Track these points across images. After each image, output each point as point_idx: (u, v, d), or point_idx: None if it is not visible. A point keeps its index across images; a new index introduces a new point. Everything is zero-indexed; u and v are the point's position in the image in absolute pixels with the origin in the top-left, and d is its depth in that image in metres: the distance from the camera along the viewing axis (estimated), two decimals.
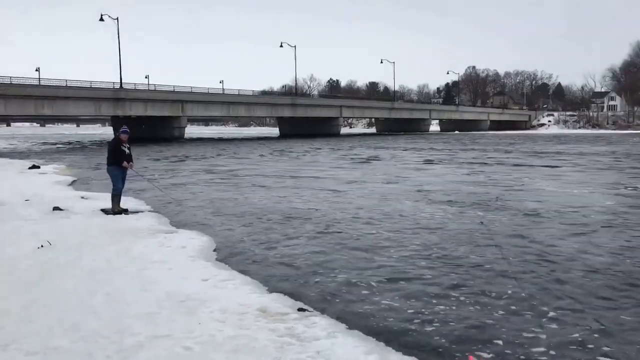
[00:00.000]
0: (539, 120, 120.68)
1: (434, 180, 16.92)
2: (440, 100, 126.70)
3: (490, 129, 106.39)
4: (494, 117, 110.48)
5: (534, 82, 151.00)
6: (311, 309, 5.28)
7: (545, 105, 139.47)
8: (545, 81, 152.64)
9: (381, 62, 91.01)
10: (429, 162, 25.56)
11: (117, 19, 54.98)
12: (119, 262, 6.72)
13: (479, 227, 9.25)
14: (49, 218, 9.90)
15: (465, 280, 6.27)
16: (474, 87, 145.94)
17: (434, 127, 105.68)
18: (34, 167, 21.76)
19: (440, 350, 4.46)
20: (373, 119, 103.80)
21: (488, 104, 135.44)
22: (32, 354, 3.98)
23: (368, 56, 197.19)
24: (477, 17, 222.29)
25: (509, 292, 5.84)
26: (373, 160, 27.04)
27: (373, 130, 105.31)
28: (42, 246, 7.42)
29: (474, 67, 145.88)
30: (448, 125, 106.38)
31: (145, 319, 4.74)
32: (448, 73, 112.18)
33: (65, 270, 6.31)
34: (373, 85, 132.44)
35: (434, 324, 4.98)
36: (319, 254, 7.59)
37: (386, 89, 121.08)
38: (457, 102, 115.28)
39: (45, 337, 4.30)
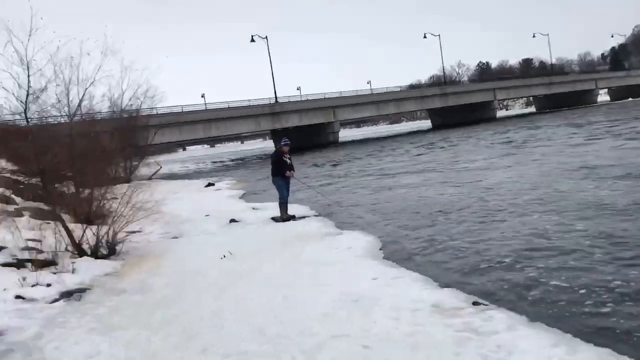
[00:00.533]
0: None
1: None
2: (607, 67, 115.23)
3: None
4: None
5: None
6: (486, 302, 5.11)
7: None
8: None
9: (533, 37, 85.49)
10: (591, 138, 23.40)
11: (267, 37, 58.14)
12: (293, 266, 7.08)
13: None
14: (226, 230, 10.75)
15: None
16: None
17: (603, 97, 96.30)
18: (209, 184, 23.78)
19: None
20: (531, 98, 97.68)
21: None
22: (226, 357, 4.34)
23: (519, 32, 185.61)
24: None
25: None
26: (528, 141, 25.42)
27: (532, 109, 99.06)
28: (224, 256, 8.07)
29: None
30: (619, 93, 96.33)
31: (324, 319, 4.93)
32: (612, 36, 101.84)
33: (246, 277, 6.79)
34: (527, 62, 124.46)
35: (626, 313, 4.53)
36: (483, 244, 7.33)
37: (542, 63, 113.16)
38: (627, 67, 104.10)
39: (235, 341, 4.66)
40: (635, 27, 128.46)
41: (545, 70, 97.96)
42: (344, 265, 6.83)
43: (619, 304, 4.73)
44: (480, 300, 5.15)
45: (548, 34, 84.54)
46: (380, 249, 7.81)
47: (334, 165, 27.42)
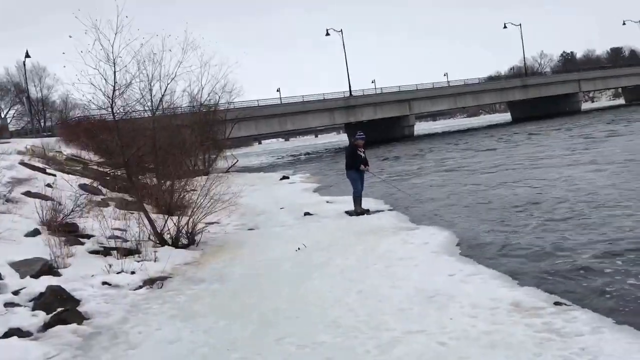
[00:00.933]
0: None
1: None
2: None
3: None
4: None
5: None
6: (569, 303, 4.88)
7: None
8: None
9: (623, 24, 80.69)
10: None
11: (341, 31, 58.19)
12: (367, 260, 7.06)
13: None
14: (301, 223, 10.87)
15: None
16: None
17: None
18: (284, 177, 24.13)
19: None
20: (620, 89, 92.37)
21: None
22: (302, 347, 4.39)
23: (607, 20, 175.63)
24: None
25: None
26: (610, 136, 23.99)
27: (621, 101, 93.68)
28: (299, 249, 8.17)
29: None
30: None
31: (399, 314, 4.89)
32: None
33: (321, 270, 6.84)
34: (616, 51, 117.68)
35: None
36: (564, 242, 7.01)
37: (633, 52, 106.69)
38: None
39: (310, 332, 4.71)
40: None
41: (637, 60, 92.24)
42: (420, 260, 6.75)
43: None
44: (562, 300, 4.94)
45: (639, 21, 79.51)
46: (456, 245, 7.65)
47: (411, 159, 27.09)
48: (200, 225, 9.42)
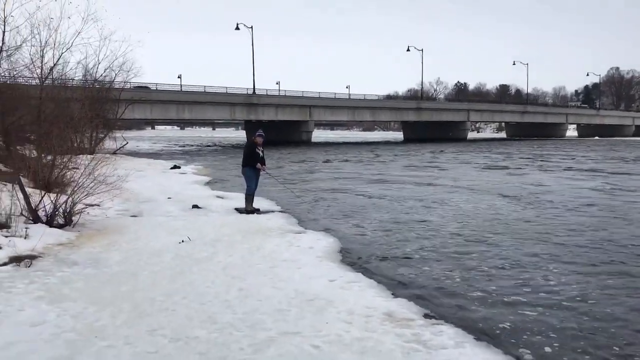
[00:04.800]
0: None
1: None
2: (579, 103, 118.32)
3: (636, 134, 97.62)
4: None
5: None
6: (438, 317, 5.18)
7: None
8: None
9: (513, 64, 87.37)
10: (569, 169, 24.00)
11: (252, 27, 57.79)
12: (252, 259, 7.05)
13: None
14: (188, 215, 10.63)
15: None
16: (617, 89, 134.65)
17: (571, 132, 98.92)
18: (175, 167, 23.47)
19: None
20: (503, 124, 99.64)
21: (633, 107, 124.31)
22: (174, 341, 4.29)
23: (498, 58, 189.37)
24: (619, 14, 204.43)
25: None
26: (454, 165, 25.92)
27: (502, 135, 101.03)
28: (182, 241, 7.98)
29: (617, 68, 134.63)
30: (587, 131, 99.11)
31: (276, 315, 4.93)
32: (588, 75, 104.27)
33: (203, 264, 6.73)
34: (504, 88, 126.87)
35: (580, 339, 4.67)
36: (441, 256, 7.45)
37: (518, 91, 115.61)
38: (597, 106, 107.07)
39: (185, 326, 4.61)
40: (610, 68, 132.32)
41: (521, 99, 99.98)
42: (303, 263, 6.84)
43: (576, 337, 4.86)
44: (431, 314, 5.23)
45: (527, 64, 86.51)
46: (339, 252, 7.84)
47: (307, 164, 27.40)
48: (79, 206, 8.92)
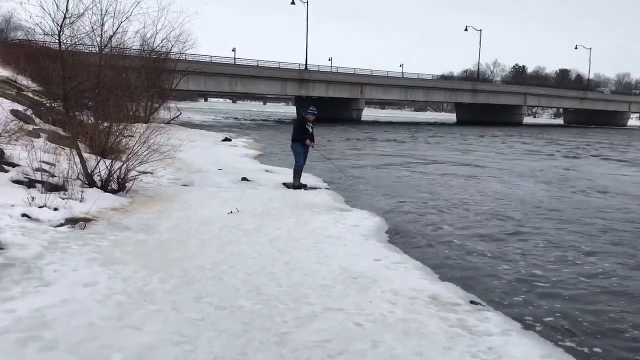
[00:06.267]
0: None
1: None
2: None
3: None
4: None
5: None
6: (484, 303, 5.08)
7: None
8: None
9: (575, 48, 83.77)
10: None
11: (307, 2, 57.45)
12: (298, 233, 7.08)
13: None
14: (237, 187, 10.76)
15: None
16: None
17: (634, 121, 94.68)
18: (226, 139, 23.77)
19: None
20: (561, 109, 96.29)
21: None
22: (220, 309, 4.36)
23: (560, 41, 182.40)
24: None
25: None
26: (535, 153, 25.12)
27: (560, 121, 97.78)
28: (231, 212, 8.09)
29: None
30: None
31: (320, 290, 4.94)
32: None
33: (250, 236, 6.80)
34: (564, 73, 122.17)
35: (622, 329, 4.50)
36: (489, 241, 7.31)
37: (579, 77, 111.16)
38: None
39: (231, 295, 4.68)
40: None
41: (581, 84, 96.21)
42: (348, 241, 6.82)
43: (619, 332, 4.70)
44: (478, 300, 5.13)
45: (590, 48, 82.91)
46: (386, 232, 7.79)
47: (357, 142, 27.28)
48: (133, 173, 9.15)
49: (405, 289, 5.16)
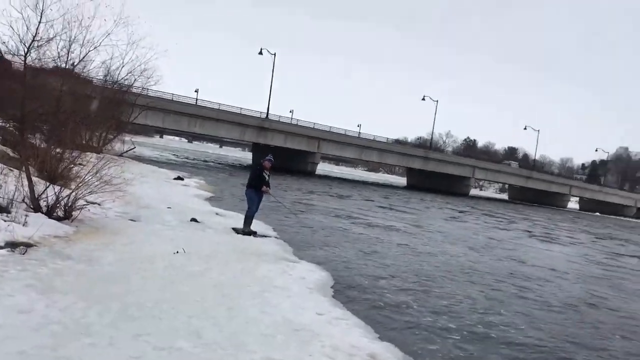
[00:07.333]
0: None
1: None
2: (584, 177, 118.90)
3: (637, 216, 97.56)
4: None
5: None
6: None
7: None
8: None
9: (524, 129, 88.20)
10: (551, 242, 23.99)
11: (275, 54, 58.58)
12: (244, 280, 7.05)
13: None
14: (186, 227, 10.65)
15: None
16: (623, 169, 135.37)
17: (573, 204, 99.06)
18: (178, 178, 23.53)
19: None
20: (507, 185, 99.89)
21: (637, 189, 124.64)
22: (159, 349, 4.29)
23: (511, 120, 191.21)
24: (636, 95, 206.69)
25: None
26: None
27: (504, 196, 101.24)
28: (177, 252, 7.99)
29: (626, 148, 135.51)
30: (589, 205, 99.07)
31: (262, 339, 4.92)
32: (597, 150, 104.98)
33: (195, 278, 6.73)
34: (512, 151, 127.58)
35: None
36: (434, 304, 7.44)
37: (525, 156, 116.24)
38: (601, 183, 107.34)
39: (171, 336, 4.61)
40: (620, 147, 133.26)
41: (527, 163, 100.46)
42: (294, 293, 6.84)
43: None
44: None
45: (539, 130, 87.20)
46: (331, 287, 7.86)
47: (310, 194, 27.44)
48: (81, 202, 8.97)
49: (345, 345, 5.20)
